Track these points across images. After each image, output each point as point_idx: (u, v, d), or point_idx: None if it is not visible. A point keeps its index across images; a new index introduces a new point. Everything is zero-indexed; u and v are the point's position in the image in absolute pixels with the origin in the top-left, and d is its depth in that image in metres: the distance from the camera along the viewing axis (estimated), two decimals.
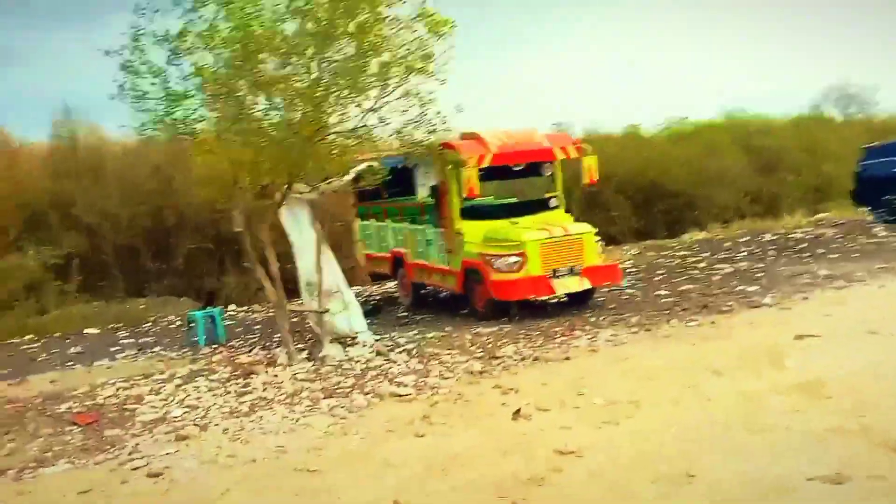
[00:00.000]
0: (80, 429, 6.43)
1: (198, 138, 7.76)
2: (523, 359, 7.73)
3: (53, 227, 17.69)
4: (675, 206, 22.09)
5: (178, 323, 12.92)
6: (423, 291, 11.81)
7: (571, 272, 9.79)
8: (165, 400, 7.20)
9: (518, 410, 5.90)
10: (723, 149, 22.71)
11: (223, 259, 18.07)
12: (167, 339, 11.28)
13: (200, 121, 7.89)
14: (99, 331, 13.03)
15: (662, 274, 12.78)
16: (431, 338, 9.02)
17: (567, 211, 11.17)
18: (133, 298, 17.41)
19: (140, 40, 7.46)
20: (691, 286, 11.27)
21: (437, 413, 6.09)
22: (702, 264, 13.30)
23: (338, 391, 6.98)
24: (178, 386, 7.71)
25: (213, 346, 9.97)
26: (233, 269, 17.41)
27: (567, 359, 7.62)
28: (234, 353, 9.39)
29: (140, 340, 11.35)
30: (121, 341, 11.45)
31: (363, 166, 9.03)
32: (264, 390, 7.24)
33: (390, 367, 7.73)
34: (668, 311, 9.55)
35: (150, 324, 13.20)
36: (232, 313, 13.83)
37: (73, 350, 10.98)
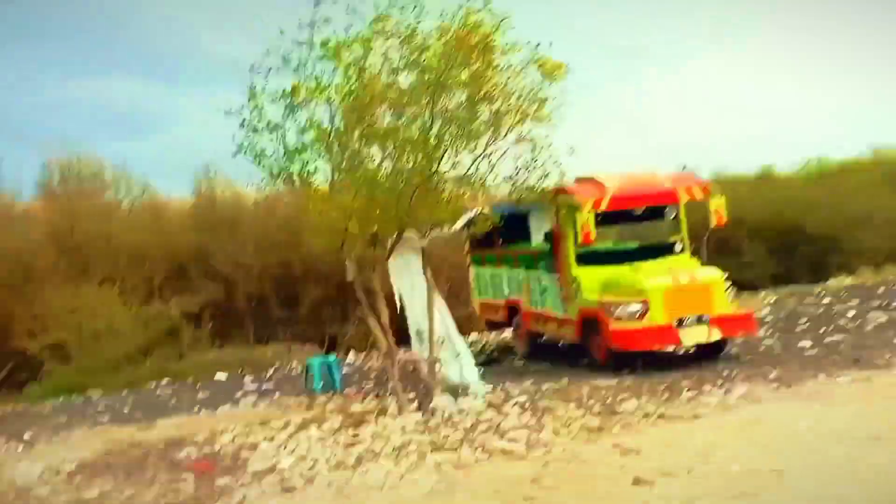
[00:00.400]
0: (194, 477, 6.47)
1: (312, 189, 7.86)
2: (646, 415, 7.10)
3: (193, 276, 18.82)
4: (818, 249, 20.38)
5: (301, 369, 13.14)
6: (540, 341, 11.35)
7: (699, 321, 9.04)
8: (278, 449, 7.16)
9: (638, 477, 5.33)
10: (871, 187, 20.80)
11: (345, 306, 18.43)
12: (288, 385, 11.43)
13: (315, 172, 8.00)
14: (227, 376, 13.48)
15: (805, 323, 11.62)
16: (546, 390, 8.54)
17: (694, 255, 10.44)
18: (261, 345, 18.08)
19: (257, 98, 7.70)
20: (839, 337, 10.12)
21: (549, 474, 5.62)
22: (851, 312, 11.98)
23: (446, 445, 6.66)
24: (291, 435, 7.67)
25: (329, 394, 9.96)
26: (353, 316, 17.69)
27: (696, 417, 6.92)
28: (348, 401, 9.31)
29: (263, 387, 11.58)
30: (245, 387, 11.74)
31: (474, 213, 8.83)
32: (372, 441, 7.04)
33: (501, 421, 7.33)
34: (813, 366, 8.57)
35: (273, 370, 13.51)
36: (351, 361, 13.90)
37: (201, 395, 11.36)
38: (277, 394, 10.55)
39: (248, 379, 12.59)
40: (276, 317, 18.63)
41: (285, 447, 7.19)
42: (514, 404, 7.99)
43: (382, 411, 8.10)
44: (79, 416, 10.58)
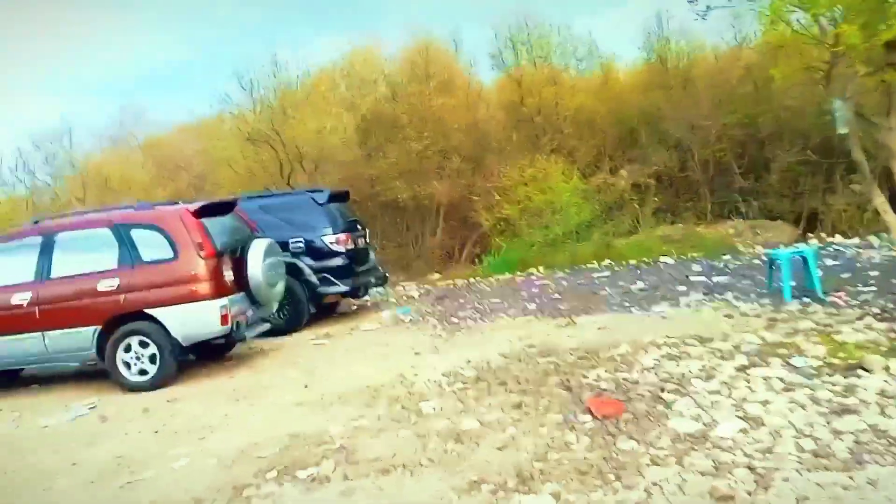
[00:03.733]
0: (592, 424, 4.51)
1: None
2: None
3: (643, 143, 16.63)
4: None
5: (764, 258, 10.06)
6: None
7: None
8: (716, 394, 4.69)
9: None
10: None
11: (831, 174, 14.09)
12: (745, 279, 8.62)
13: None
14: (674, 261, 11.20)
15: None
16: None
17: None
18: (719, 221, 15.14)
19: None
20: None
21: None
22: None
23: None
24: (741, 369, 5.08)
25: (804, 303, 6.90)
26: (844, 187, 13.33)
27: None
28: (834, 318, 6.16)
29: (713, 279, 8.99)
30: (692, 278, 9.31)
31: None
32: (882, 411, 4.03)
33: None
34: None
35: (728, 256, 10.70)
36: (837, 248, 10.17)
37: (637, 285, 9.36)
38: (730, 294, 7.86)
39: (696, 267, 10.11)
40: (738, 187, 15.35)
41: (728, 393, 4.67)
42: None
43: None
44: (509, 298, 9.67)
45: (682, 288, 8.64)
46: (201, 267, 6.94)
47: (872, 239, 10.58)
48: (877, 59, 4.43)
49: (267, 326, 7.92)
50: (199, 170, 18.80)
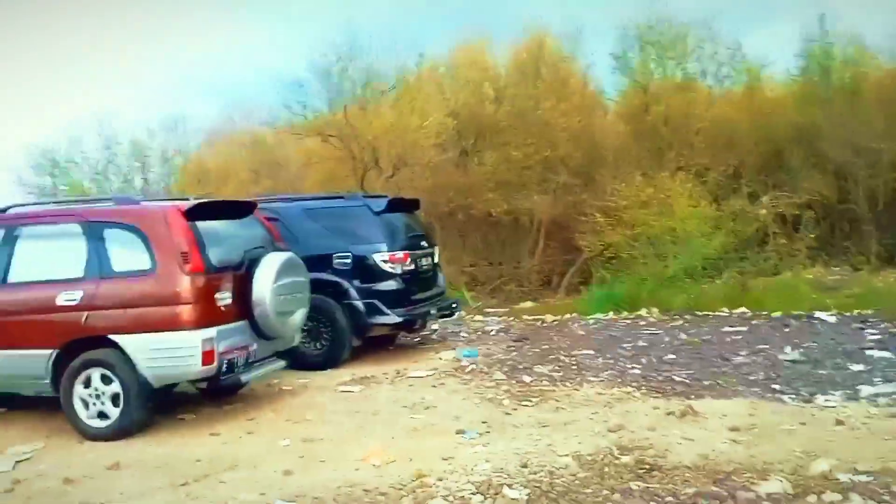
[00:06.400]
0: None
1: None
2: None
3: (793, 167, 13.51)
4: None
5: None
6: None
7: None
8: None
9: None
10: None
11: None
12: None
13: None
14: (835, 318, 8.31)
15: None
16: None
17: None
18: (887, 267, 11.82)
19: None
20: None
21: None
22: None
23: None
24: None
25: None
26: None
27: None
28: None
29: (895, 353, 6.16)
30: (870, 352, 6.48)
31: None
32: None
33: None
34: None
35: None
36: None
37: (788, 353, 6.64)
38: None
39: (872, 333, 7.23)
40: None
41: None
42: None
43: None
44: (606, 351, 7.24)
45: (858, 367, 5.90)
46: (184, 285, 5.09)
47: None
48: None
49: (280, 365, 5.99)
50: (297, 168, 17.56)
